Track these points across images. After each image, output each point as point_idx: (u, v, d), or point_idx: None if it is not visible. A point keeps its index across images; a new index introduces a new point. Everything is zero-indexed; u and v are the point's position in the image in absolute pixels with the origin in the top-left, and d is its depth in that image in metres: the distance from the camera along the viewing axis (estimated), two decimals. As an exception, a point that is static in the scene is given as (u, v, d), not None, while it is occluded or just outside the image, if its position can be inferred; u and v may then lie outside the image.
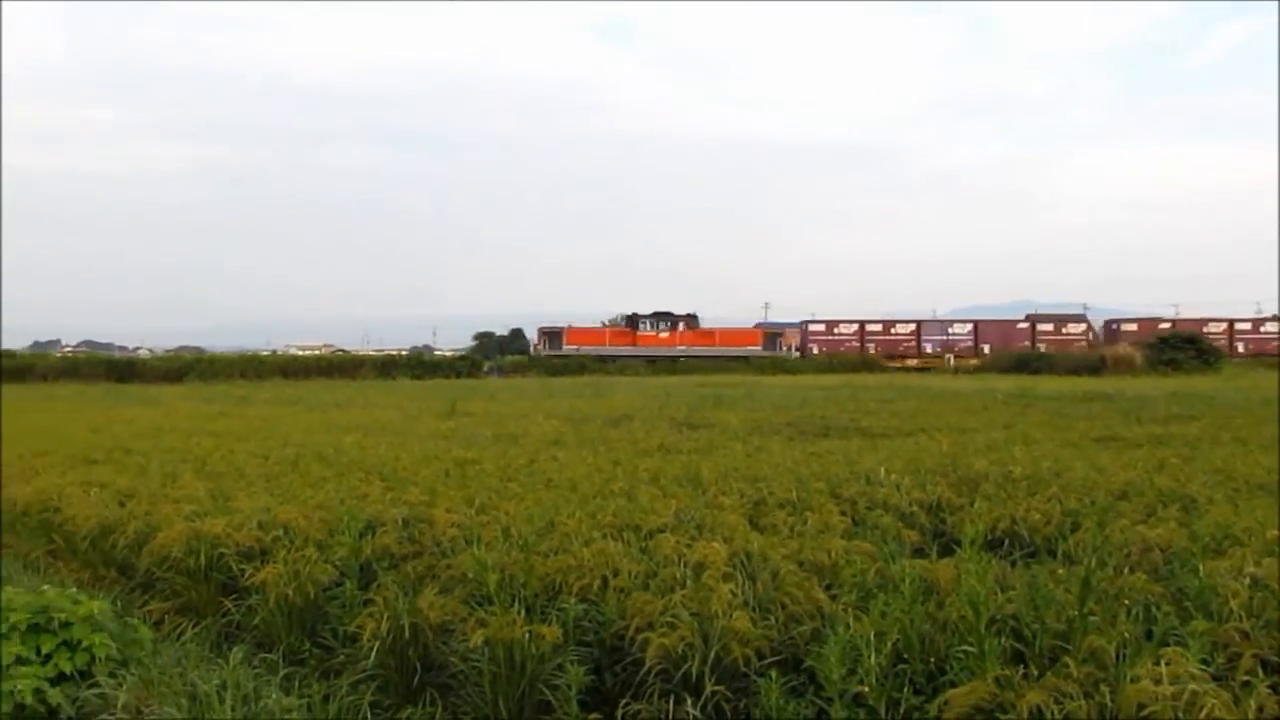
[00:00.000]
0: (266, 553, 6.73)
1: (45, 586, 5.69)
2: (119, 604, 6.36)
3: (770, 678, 4.49)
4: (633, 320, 63.55)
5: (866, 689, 4.30)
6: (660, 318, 63.12)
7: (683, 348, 61.82)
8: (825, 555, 6.01)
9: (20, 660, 4.97)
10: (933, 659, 4.55)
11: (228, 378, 53.22)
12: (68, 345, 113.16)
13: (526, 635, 4.96)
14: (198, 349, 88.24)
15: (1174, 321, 66.46)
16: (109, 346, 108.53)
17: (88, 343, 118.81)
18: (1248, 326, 67.95)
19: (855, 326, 67.33)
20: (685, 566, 5.68)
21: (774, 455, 11.67)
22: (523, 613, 5.14)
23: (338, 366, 59.53)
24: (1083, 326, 68.18)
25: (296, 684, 5.09)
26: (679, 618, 4.94)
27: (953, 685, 4.24)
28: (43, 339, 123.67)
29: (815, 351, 65.84)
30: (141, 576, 7.24)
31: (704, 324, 65.95)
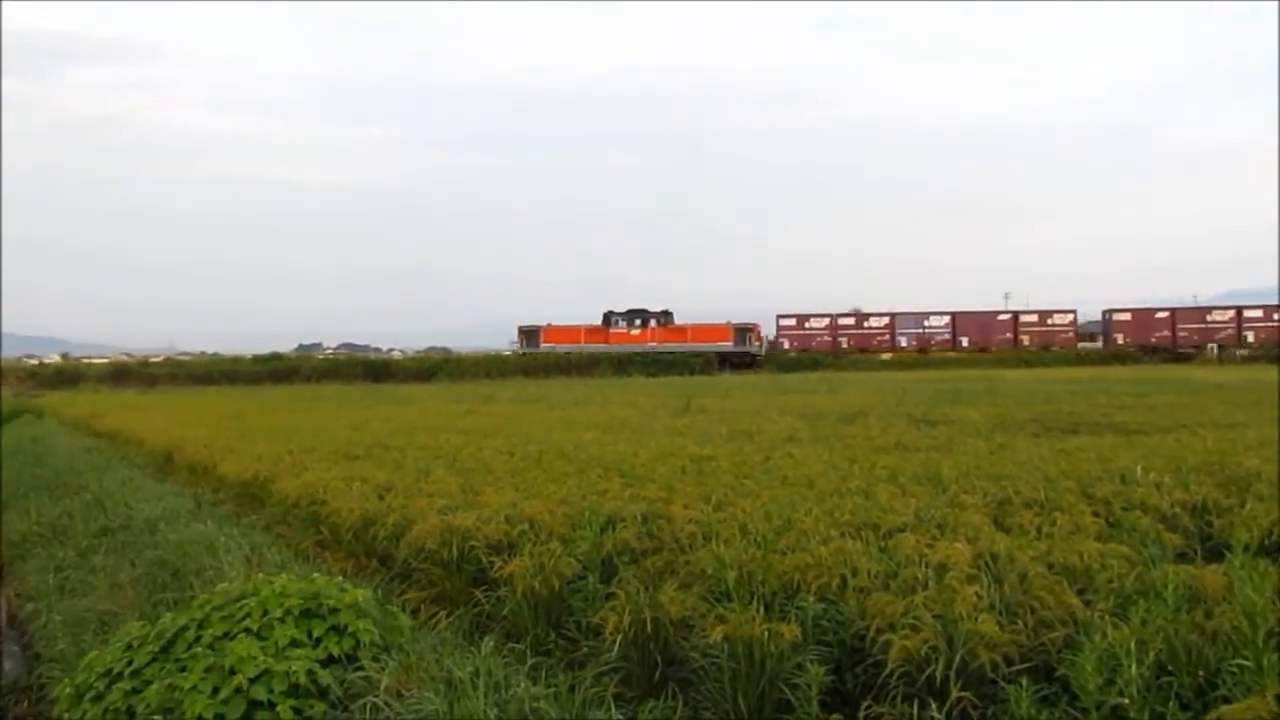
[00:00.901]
0: (514, 546, 6.99)
1: (315, 574, 6.12)
2: (380, 592, 6.77)
3: (1020, 685, 4.33)
4: (607, 318, 65.23)
5: (1127, 701, 4.08)
6: (635, 315, 64.99)
7: (654, 345, 63.47)
8: (1077, 558, 5.73)
9: (294, 643, 5.36)
10: (1201, 672, 4.27)
11: (473, 377, 55.85)
12: (329, 348, 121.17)
13: (765, 633, 4.95)
14: (445, 350, 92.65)
15: (1172, 311, 63.48)
16: (365, 349, 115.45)
17: (347, 345, 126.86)
18: (1259, 314, 62.78)
19: (826, 321, 66.75)
20: (927, 567, 5.54)
21: (1019, 452, 11.20)
22: (761, 610, 5.14)
23: (576, 365, 61.47)
24: (1069, 318, 65.00)
25: (543, 674, 5.26)
26: (921, 619, 4.82)
27: (1225, 701, 3.97)
28: (307, 342, 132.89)
29: (785, 346, 66.08)
30: (399, 567, 7.67)
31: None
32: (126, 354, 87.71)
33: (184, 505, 11.50)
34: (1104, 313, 65.69)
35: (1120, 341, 61.98)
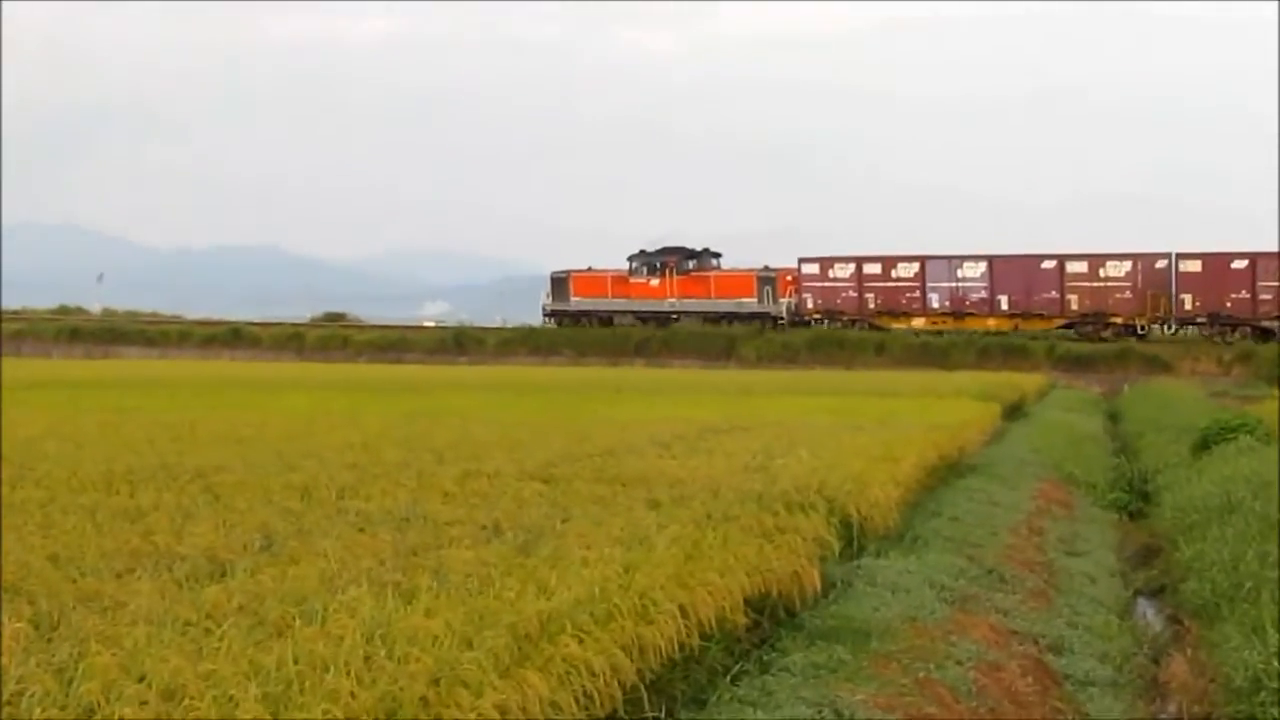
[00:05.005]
0: None
1: None
2: None
3: None
4: (632, 262, 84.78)
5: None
6: (664, 257, 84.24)
7: (673, 300, 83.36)
8: None
9: None
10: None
11: None
12: None
13: None
14: None
15: (1252, 258, 70.14)
16: None
17: None
18: None
19: (851, 267, 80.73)
20: None
21: None
22: None
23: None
24: (1127, 266, 73.74)
25: None
26: None
27: None
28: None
29: (810, 304, 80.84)
30: None
31: None
32: None
33: None
34: (1181, 257, 73.18)
35: (1189, 306, 70.90)
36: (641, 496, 15.55)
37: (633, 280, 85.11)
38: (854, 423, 27.92)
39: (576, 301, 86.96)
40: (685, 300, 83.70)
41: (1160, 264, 74.54)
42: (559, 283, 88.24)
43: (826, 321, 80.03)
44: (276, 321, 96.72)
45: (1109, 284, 74.33)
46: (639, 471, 18.25)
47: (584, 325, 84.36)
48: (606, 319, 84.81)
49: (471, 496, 15.46)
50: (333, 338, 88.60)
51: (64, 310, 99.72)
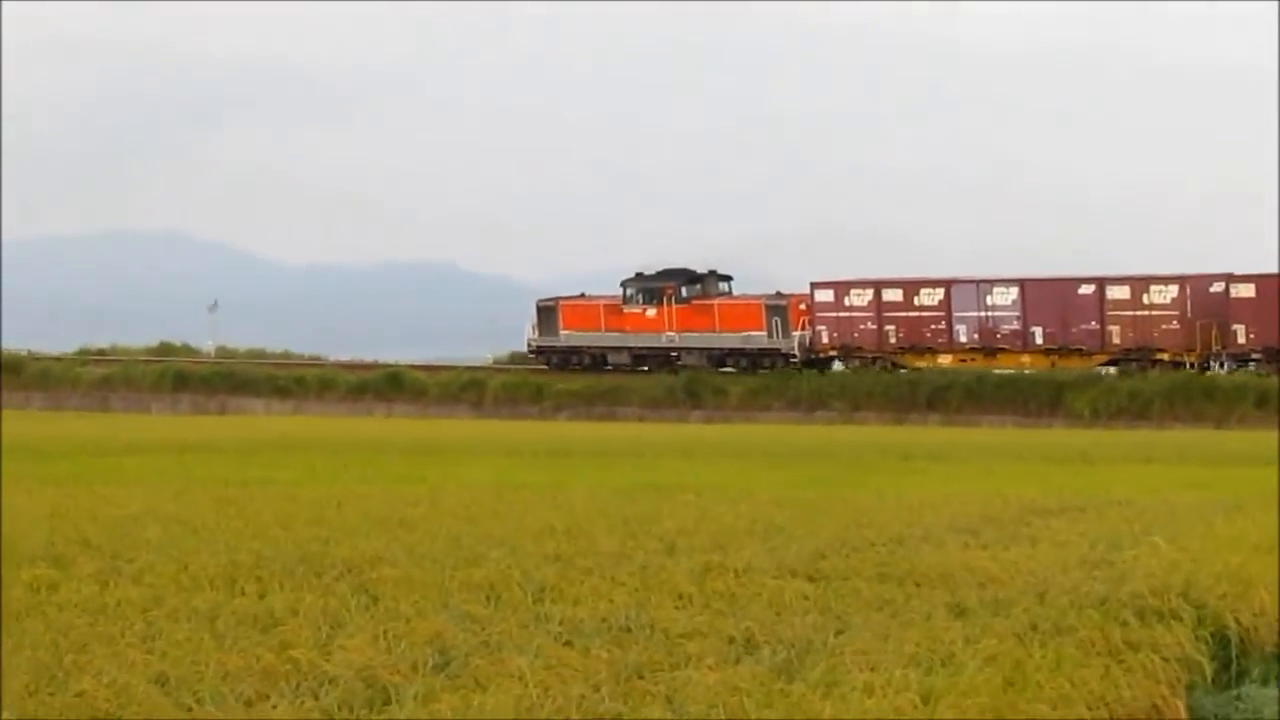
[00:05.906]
0: None
1: None
2: None
3: None
4: (626, 288, 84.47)
5: None
6: (666, 280, 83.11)
7: (671, 334, 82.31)
8: None
9: None
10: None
11: None
12: None
13: None
14: None
15: None
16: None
17: None
18: None
19: (870, 294, 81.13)
20: None
21: None
22: None
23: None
24: (1174, 291, 73.93)
25: None
26: None
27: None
28: None
29: (825, 339, 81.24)
30: None
31: None
32: None
33: None
34: (1231, 280, 73.93)
35: (1243, 339, 71.99)
36: (941, 600, 14.52)
37: (626, 310, 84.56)
38: (1230, 500, 26.32)
39: (566, 335, 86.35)
40: (686, 334, 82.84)
41: (1215, 287, 74.36)
42: (546, 313, 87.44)
43: (844, 361, 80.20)
44: (448, 364, 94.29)
45: (1154, 313, 74.65)
46: (937, 567, 16.93)
47: (575, 367, 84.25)
48: (599, 357, 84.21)
49: (714, 599, 14.23)
50: (522, 386, 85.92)
51: (167, 349, 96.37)
